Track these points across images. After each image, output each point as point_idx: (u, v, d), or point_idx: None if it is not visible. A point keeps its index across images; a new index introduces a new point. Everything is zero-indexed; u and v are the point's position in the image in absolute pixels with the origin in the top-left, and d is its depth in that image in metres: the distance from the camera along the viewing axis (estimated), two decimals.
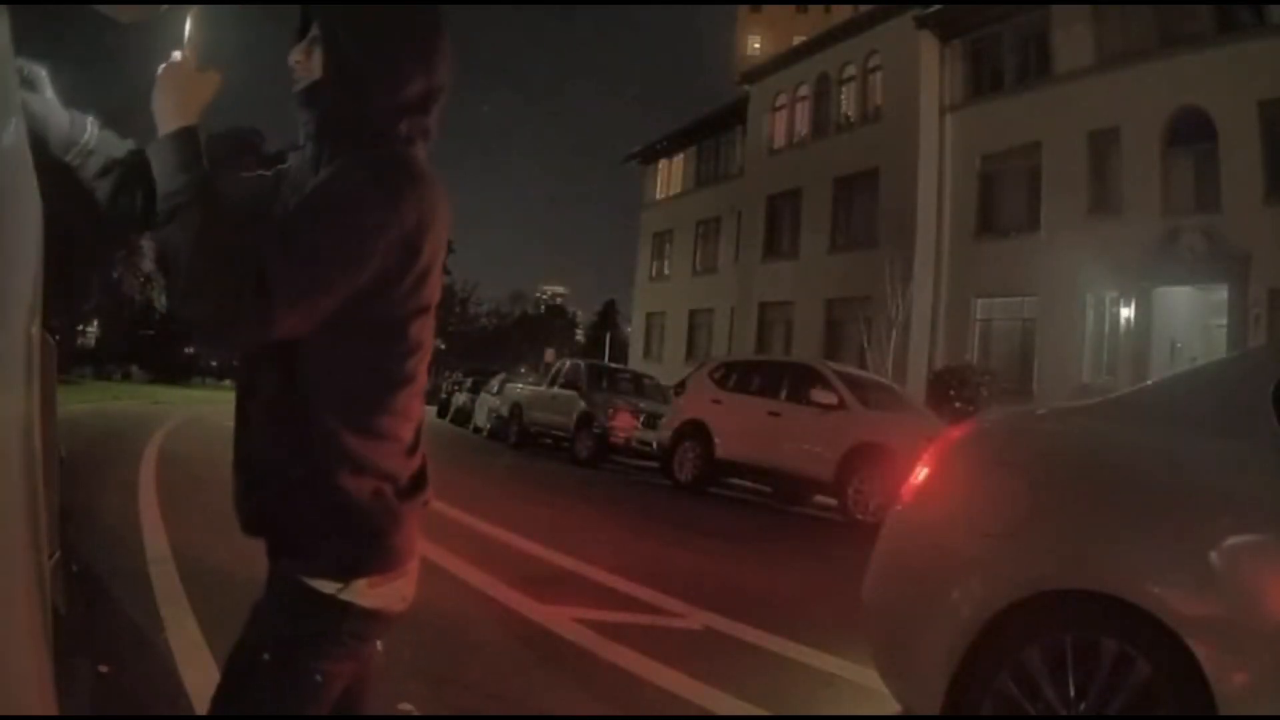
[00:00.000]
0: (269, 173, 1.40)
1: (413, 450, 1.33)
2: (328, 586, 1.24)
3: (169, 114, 1.21)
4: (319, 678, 1.25)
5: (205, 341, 1.19)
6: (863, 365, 17.46)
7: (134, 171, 1.27)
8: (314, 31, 1.28)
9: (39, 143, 1.30)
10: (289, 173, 1.37)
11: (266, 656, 1.24)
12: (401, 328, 1.27)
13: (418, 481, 1.34)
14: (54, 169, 1.30)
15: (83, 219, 1.34)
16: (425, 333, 1.31)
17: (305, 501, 1.24)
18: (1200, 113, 15.09)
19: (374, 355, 1.26)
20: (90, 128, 1.30)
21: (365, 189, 1.19)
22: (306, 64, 1.28)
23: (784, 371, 11.52)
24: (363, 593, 1.25)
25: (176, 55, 1.26)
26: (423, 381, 1.33)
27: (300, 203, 1.22)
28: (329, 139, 1.28)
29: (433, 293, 1.30)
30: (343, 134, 1.27)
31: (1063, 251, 16.78)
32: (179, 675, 2.76)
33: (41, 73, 1.30)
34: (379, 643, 1.38)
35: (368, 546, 1.26)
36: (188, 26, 1.29)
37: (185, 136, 1.19)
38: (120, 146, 1.31)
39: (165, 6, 1.34)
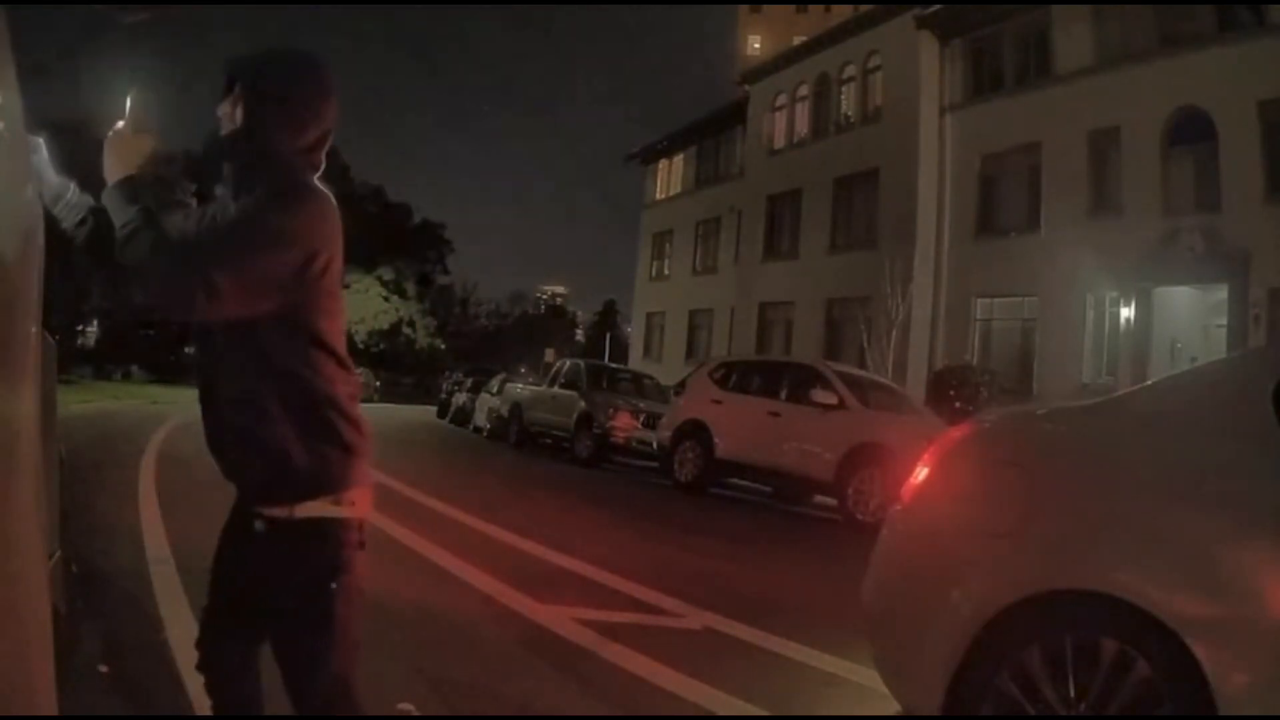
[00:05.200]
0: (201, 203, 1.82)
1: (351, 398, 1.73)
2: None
3: (115, 169, 1.63)
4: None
5: (166, 315, 1.64)
6: (863, 365, 17.47)
7: (103, 220, 1.64)
8: (237, 91, 1.67)
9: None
10: (218, 198, 1.76)
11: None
12: (314, 302, 1.65)
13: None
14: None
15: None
16: (335, 306, 1.71)
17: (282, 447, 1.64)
18: (1200, 113, 15.09)
19: (296, 321, 1.63)
20: (73, 187, 1.71)
21: (275, 208, 1.61)
22: (231, 115, 1.68)
23: (784, 371, 11.51)
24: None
25: (119, 125, 1.66)
26: (339, 343, 1.70)
27: (232, 217, 1.65)
28: (247, 171, 1.68)
29: (336, 277, 1.69)
30: (256, 168, 1.66)
31: (1063, 251, 16.78)
32: (179, 675, 2.76)
33: (39, 141, 1.65)
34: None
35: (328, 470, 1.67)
36: (128, 104, 1.67)
37: (128, 183, 1.62)
38: (87, 202, 1.71)
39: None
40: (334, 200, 1.71)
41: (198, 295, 1.49)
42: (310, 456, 1.62)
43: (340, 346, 1.70)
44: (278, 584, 1.64)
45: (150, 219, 1.56)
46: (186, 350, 39.21)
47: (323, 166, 1.76)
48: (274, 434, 1.61)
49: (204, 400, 1.71)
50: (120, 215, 1.57)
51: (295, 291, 1.60)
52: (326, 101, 1.73)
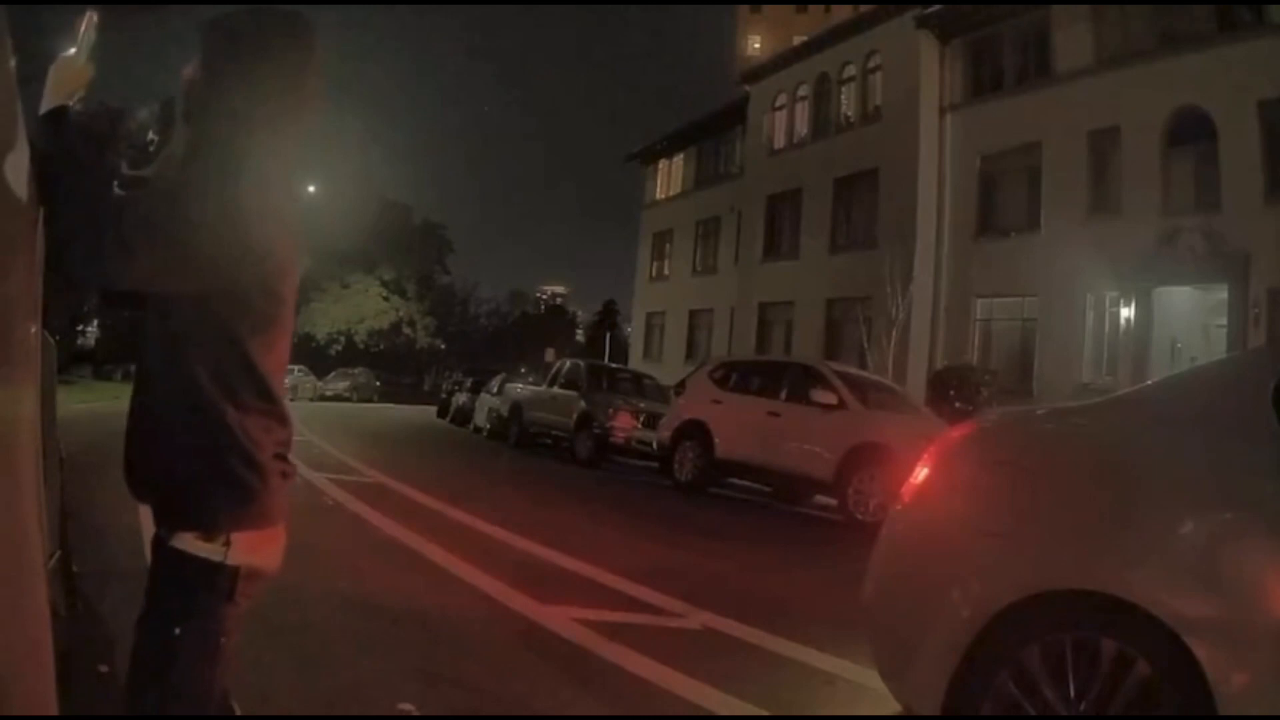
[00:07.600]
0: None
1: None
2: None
3: (51, 97, 1.46)
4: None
5: (75, 275, 1.41)
6: (863, 365, 17.46)
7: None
8: (203, 51, 1.55)
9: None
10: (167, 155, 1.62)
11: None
12: (254, 326, 1.51)
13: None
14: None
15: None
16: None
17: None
18: (1200, 113, 15.08)
19: (232, 345, 1.49)
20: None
21: (229, 183, 1.44)
22: (195, 78, 1.54)
23: (784, 371, 11.50)
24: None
25: (70, 51, 1.50)
26: (276, 380, 1.55)
27: (162, 181, 1.51)
28: (204, 138, 1.51)
29: (289, 293, 1.56)
30: (215, 133, 1.50)
31: (1063, 251, 16.78)
32: None
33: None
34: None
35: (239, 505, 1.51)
36: (83, 29, 1.52)
37: (58, 113, 1.45)
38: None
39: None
40: (298, 207, 1.57)
41: (109, 257, 1.33)
42: (193, 488, 1.47)
43: (275, 386, 1.54)
44: (144, 608, 1.51)
45: (73, 157, 1.41)
46: None
47: (298, 148, 1.58)
48: (170, 457, 1.48)
49: (129, 413, 1.57)
50: (45, 145, 1.39)
51: (226, 285, 1.45)
52: (305, 63, 1.54)
